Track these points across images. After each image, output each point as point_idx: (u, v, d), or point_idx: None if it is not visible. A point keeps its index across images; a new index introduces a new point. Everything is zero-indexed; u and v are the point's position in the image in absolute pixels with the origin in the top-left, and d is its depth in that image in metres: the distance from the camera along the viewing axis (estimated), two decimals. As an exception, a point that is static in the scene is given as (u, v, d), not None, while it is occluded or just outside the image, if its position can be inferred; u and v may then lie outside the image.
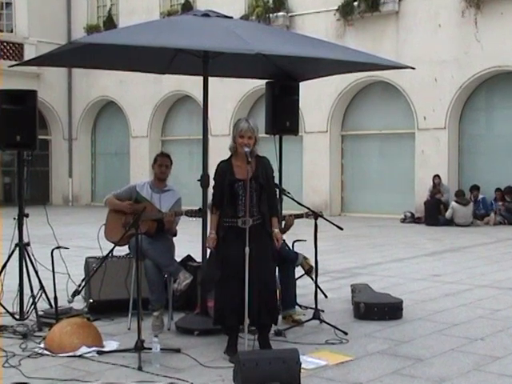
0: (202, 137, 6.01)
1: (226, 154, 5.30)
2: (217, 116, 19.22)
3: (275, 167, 5.56)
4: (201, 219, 5.89)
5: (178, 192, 6.46)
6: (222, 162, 5.25)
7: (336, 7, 18.23)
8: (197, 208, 5.99)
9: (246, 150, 5.03)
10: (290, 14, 19.21)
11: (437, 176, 16.64)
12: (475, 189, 16.55)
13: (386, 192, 18.46)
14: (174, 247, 6.34)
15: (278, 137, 6.99)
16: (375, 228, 15.62)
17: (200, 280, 5.96)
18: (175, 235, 6.40)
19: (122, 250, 6.41)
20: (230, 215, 5.10)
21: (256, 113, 19.63)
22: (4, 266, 6.22)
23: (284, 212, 6.60)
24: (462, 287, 7.99)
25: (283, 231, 6.17)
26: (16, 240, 6.21)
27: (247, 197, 4.98)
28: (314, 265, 6.20)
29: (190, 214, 6.03)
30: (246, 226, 4.95)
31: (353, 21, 18.11)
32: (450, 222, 15.88)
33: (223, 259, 5.10)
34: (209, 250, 5.42)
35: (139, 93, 22.27)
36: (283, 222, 6.26)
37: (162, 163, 6.36)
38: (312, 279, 6.36)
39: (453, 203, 15.95)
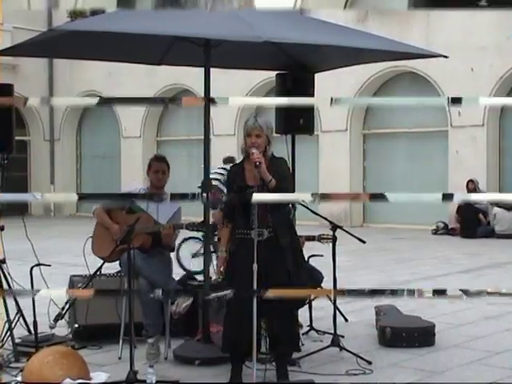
0: (203, 137, 6.04)
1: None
2: (220, 113, 19.23)
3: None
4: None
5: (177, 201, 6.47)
6: (233, 165, 5.31)
7: (356, -13, 18.31)
8: (199, 220, 5.99)
9: (254, 151, 5.03)
10: (303, -5, 19.29)
11: (471, 181, 16.53)
12: (519, 195, 16.51)
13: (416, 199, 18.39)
14: (171, 264, 6.35)
15: (290, 137, 7.00)
16: (403, 241, 15.58)
17: (201, 302, 5.97)
18: (173, 250, 6.41)
19: (112, 268, 6.42)
20: (242, 226, 5.14)
21: (265, 109, 19.62)
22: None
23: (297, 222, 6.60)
24: (505, 309, 7.95)
25: None
26: (-11, 256, 6.23)
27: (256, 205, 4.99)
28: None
29: (192, 227, 6.02)
30: (260, 238, 4.97)
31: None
32: (490, 234, 15.84)
33: (233, 277, 5.13)
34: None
35: (131, 87, 22.29)
36: None
37: (158, 169, 6.36)
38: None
39: (495, 207, 15.95)
